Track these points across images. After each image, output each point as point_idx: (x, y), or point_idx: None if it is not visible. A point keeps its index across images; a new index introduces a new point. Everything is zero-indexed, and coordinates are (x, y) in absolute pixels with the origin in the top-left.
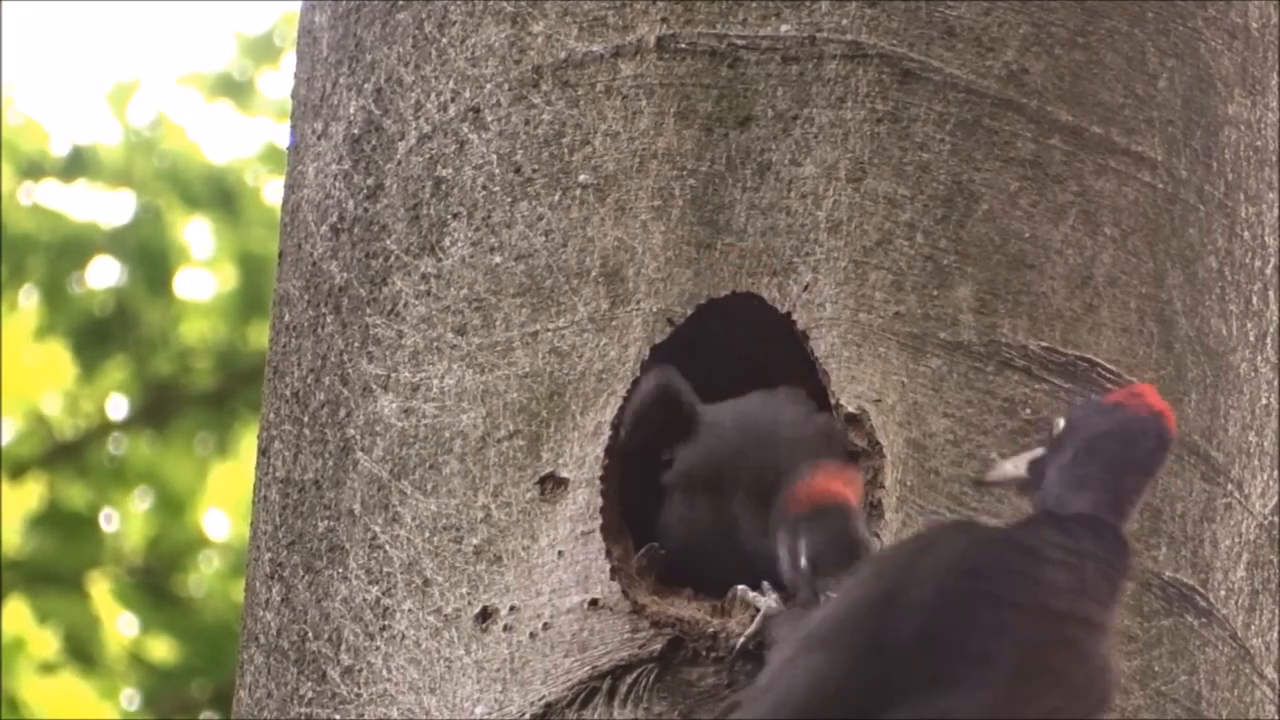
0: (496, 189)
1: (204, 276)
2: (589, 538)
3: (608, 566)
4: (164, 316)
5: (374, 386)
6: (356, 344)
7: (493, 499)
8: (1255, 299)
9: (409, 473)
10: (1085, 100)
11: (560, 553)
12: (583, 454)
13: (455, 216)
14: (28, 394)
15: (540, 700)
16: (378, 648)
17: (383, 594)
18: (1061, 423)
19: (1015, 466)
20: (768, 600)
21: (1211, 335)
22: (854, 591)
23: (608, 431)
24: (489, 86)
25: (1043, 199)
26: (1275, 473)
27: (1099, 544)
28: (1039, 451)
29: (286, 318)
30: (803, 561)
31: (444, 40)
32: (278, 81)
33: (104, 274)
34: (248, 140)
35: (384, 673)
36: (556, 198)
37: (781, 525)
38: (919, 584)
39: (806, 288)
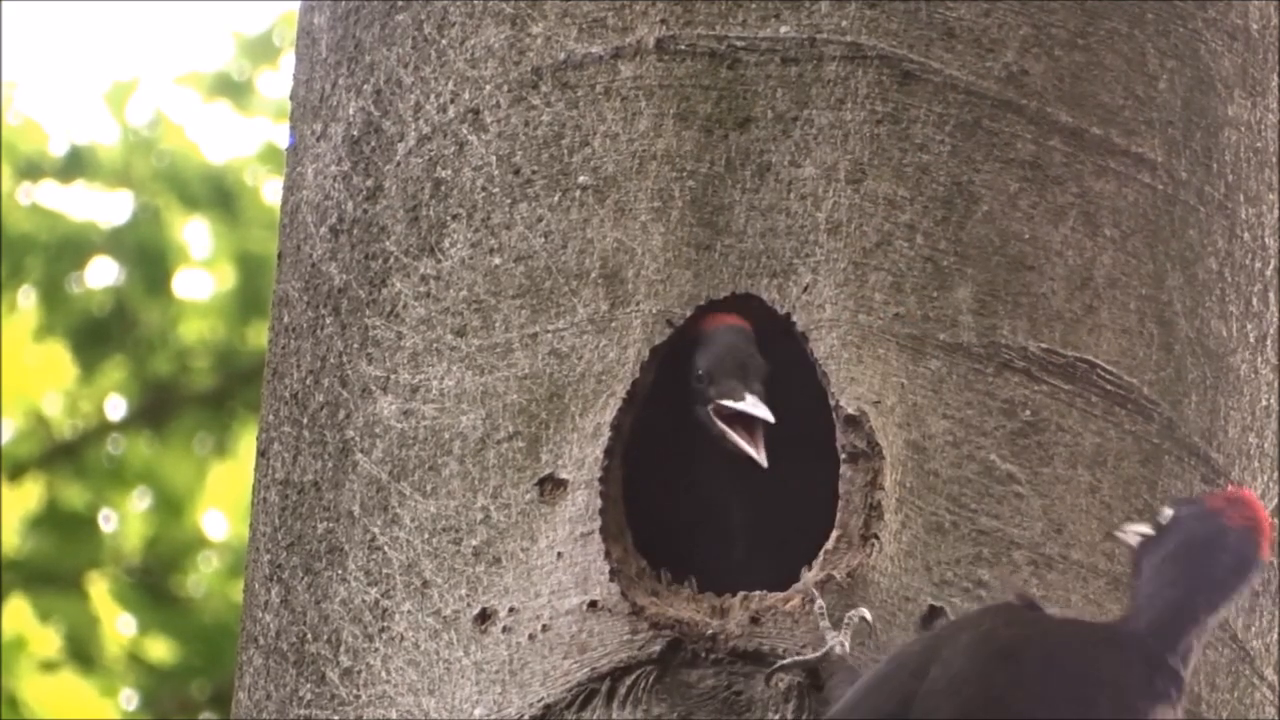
0: (496, 190)
1: (202, 276)
2: (588, 539)
3: (607, 568)
4: (163, 316)
5: (373, 388)
6: (356, 345)
7: (492, 500)
8: (1255, 300)
9: (408, 474)
10: (1085, 101)
11: (559, 554)
12: (582, 455)
13: (454, 218)
14: (27, 394)
15: (539, 702)
16: (377, 649)
17: (382, 595)
18: (1169, 512)
19: (1135, 533)
20: (840, 638)
21: (1211, 337)
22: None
23: (607, 433)
24: (488, 88)
25: (1043, 200)
26: (1275, 474)
27: (1153, 676)
28: (1150, 530)
29: (286, 319)
30: (697, 373)
31: (443, 41)
32: (276, 81)
33: (103, 274)
34: (246, 140)
35: (383, 674)
36: (556, 199)
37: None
38: (954, 655)
39: (806, 289)
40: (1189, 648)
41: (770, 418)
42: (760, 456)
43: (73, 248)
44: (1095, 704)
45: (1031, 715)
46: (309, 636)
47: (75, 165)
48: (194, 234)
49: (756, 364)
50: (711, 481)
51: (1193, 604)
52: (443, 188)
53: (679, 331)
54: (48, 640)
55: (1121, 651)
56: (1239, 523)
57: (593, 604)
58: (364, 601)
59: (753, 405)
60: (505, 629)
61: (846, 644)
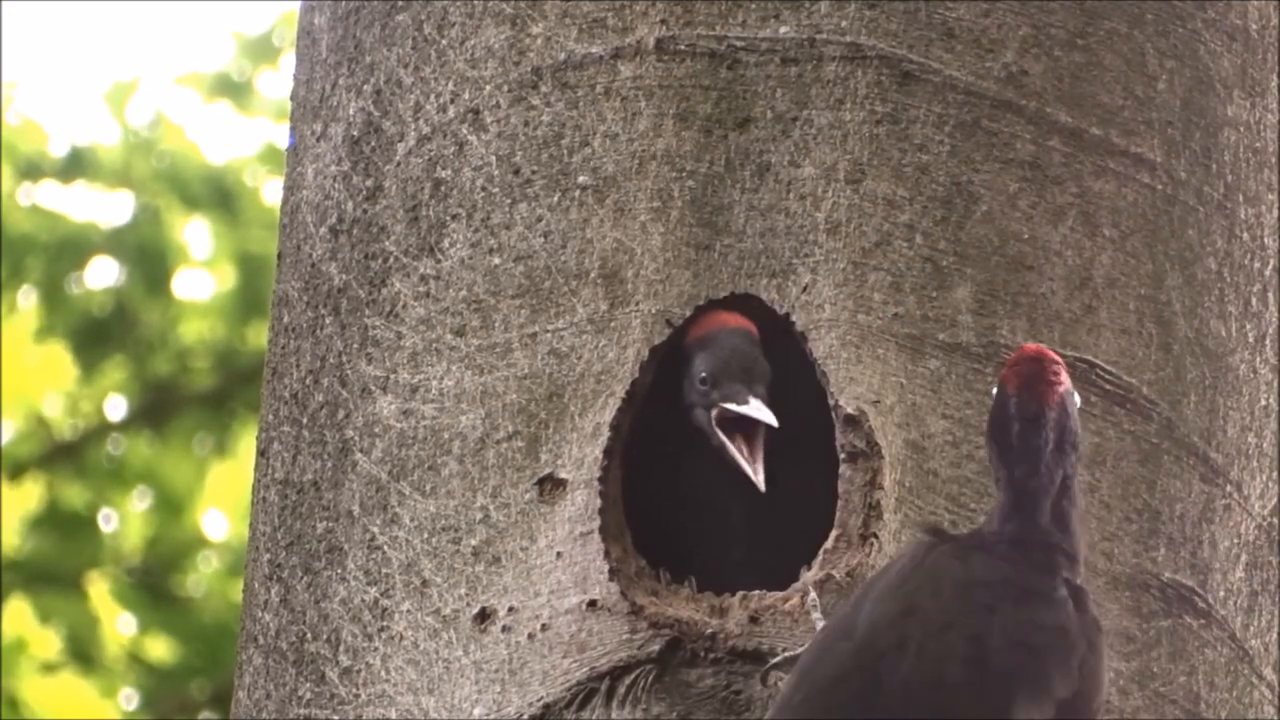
0: (496, 190)
1: (203, 277)
2: (587, 539)
3: (606, 567)
4: (163, 317)
5: (373, 388)
6: (355, 345)
7: (491, 500)
8: (1254, 300)
9: (408, 474)
10: (1084, 102)
11: (559, 554)
12: (581, 455)
13: (454, 218)
14: (27, 394)
15: (539, 701)
16: (376, 649)
17: (381, 595)
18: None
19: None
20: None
21: (1210, 337)
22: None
23: (607, 433)
24: (488, 88)
25: (1042, 200)
26: (1274, 474)
27: (1021, 561)
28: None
29: (285, 319)
30: (700, 376)
31: (443, 42)
32: (276, 82)
33: (103, 274)
34: (246, 140)
35: (382, 673)
36: (555, 199)
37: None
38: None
39: (805, 289)
40: (1049, 514)
41: (774, 421)
42: (758, 478)
43: (73, 248)
44: (989, 621)
45: (923, 648)
46: (309, 636)
47: (75, 165)
48: (194, 234)
49: (761, 368)
50: (710, 482)
51: (1020, 476)
52: (442, 188)
53: (680, 331)
54: (48, 641)
55: (991, 558)
56: (1015, 385)
57: (592, 603)
58: (363, 601)
59: (756, 409)
60: (505, 628)
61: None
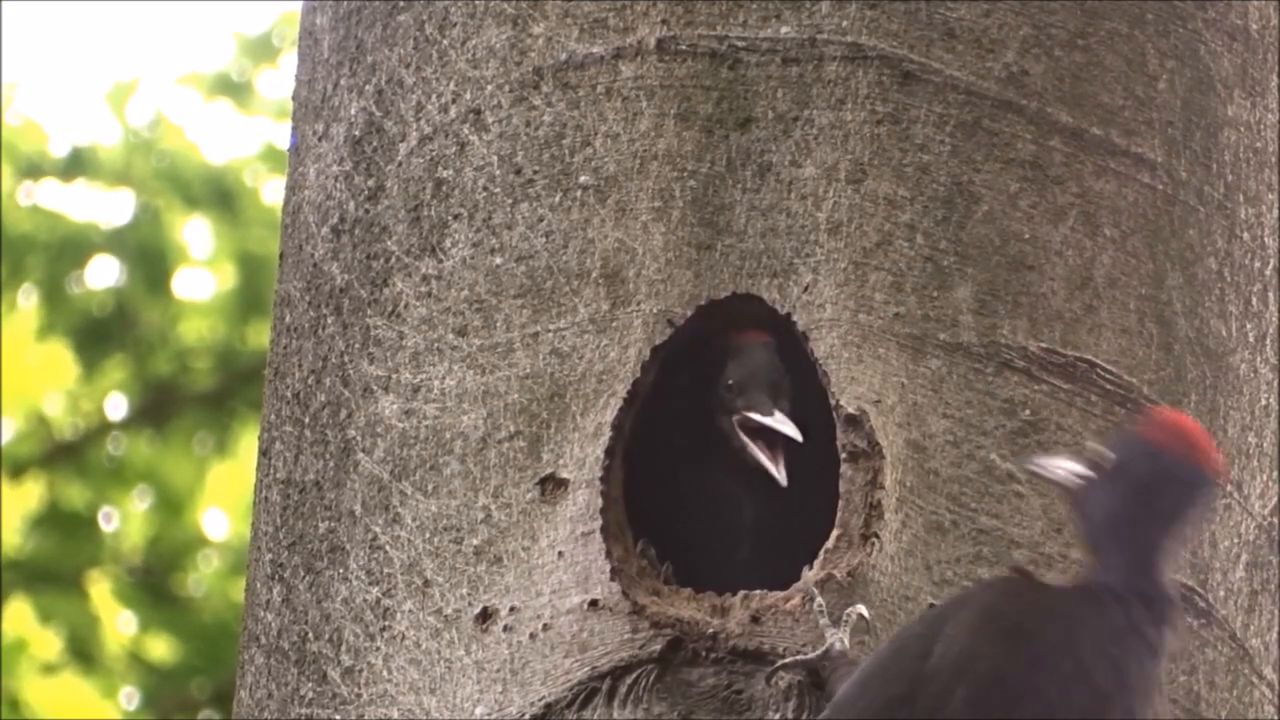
0: (497, 190)
1: (203, 276)
2: (589, 538)
3: (608, 567)
4: (163, 316)
5: (375, 387)
6: (357, 345)
7: (493, 500)
8: (1255, 300)
9: (410, 474)
10: (1085, 102)
11: (560, 553)
12: (583, 455)
13: (456, 218)
14: (28, 394)
15: (540, 701)
16: (378, 648)
17: (383, 595)
18: (1107, 454)
19: (1066, 472)
20: (839, 635)
21: (1211, 336)
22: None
23: (608, 432)
24: (490, 88)
25: (1043, 200)
26: (1274, 474)
27: (1145, 617)
28: (1087, 471)
29: (287, 319)
30: (727, 383)
31: (445, 42)
32: (277, 81)
33: (103, 274)
34: (247, 140)
35: (384, 673)
36: (557, 199)
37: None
38: (955, 634)
39: (806, 289)
40: (1164, 575)
41: (798, 435)
42: (781, 475)
43: (73, 248)
44: (1095, 668)
45: (1036, 687)
46: (310, 635)
47: (76, 165)
48: (194, 234)
49: (786, 384)
50: (720, 481)
51: (1158, 539)
52: (444, 188)
53: (689, 337)
54: (48, 641)
55: (1104, 607)
56: (1181, 450)
57: (594, 603)
58: (365, 600)
59: (780, 422)
60: (506, 628)
61: (845, 641)
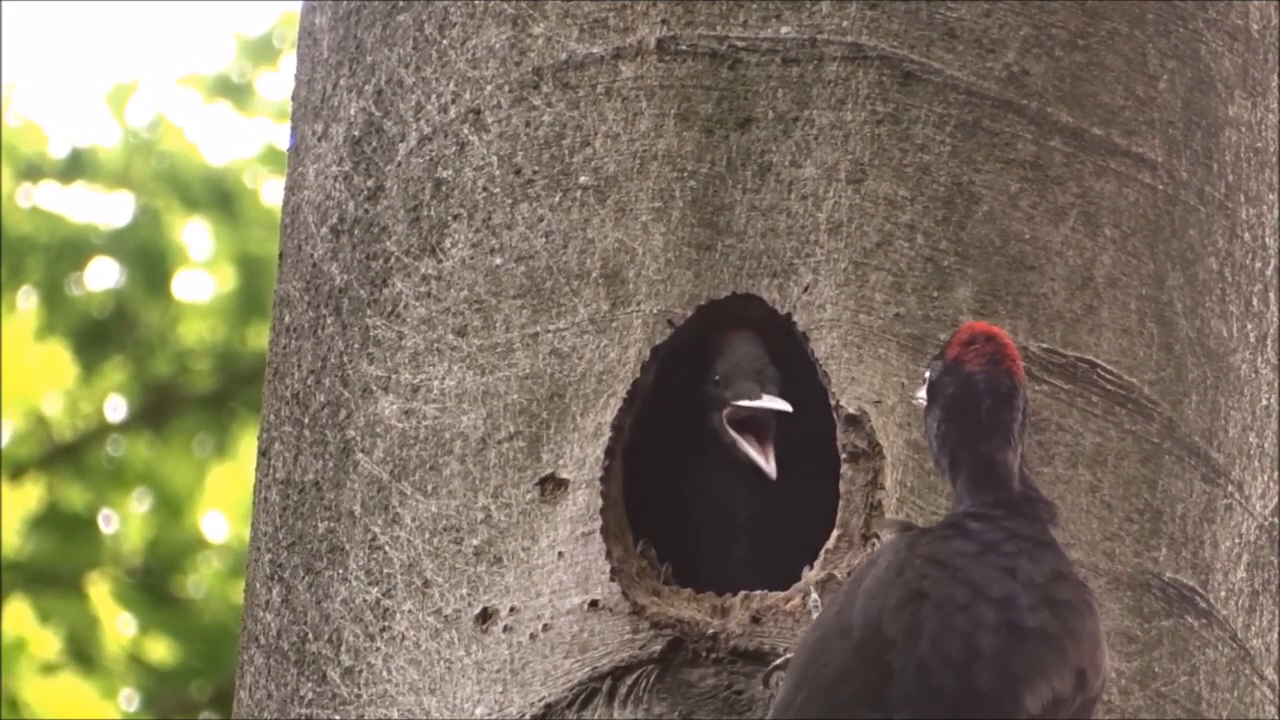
0: (497, 190)
1: (203, 278)
2: (589, 539)
3: (608, 567)
4: (163, 318)
5: (374, 388)
6: (357, 345)
7: (493, 500)
8: (1256, 300)
9: (409, 474)
10: (1086, 102)
11: (560, 554)
12: (583, 455)
13: (455, 218)
14: (27, 395)
15: (540, 701)
16: (378, 649)
17: (383, 595)
18: (926, 374)
19: (920, 401)
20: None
21: (1212, 336)
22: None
23: (608, 433)
24: (489, 88)
25: (1043, 200)
26: (1275, 474)
27: (1019, 521)
28: (923, 396)
29: (287, 319)
30: (714, 378)
31: (444, 42)
32: (276, 83)
33: (103, 275)
34: (246, 141)
35: (384, 674)
36: (557, 199)
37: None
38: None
39: (807, 289)
40: (1015, 479)
41: (788, 408)
42: (770, 468)
43: (73, 249)
44: (989, 584)
45: (951, 626)
46: (310, 636)
47: (75, 167)
48: (194, 235)
49: (771, 371)
50: (716, 480)
51: (992, 451)
52: (444, 188)
53: (689, 337)
54: (48, 642)
55: (989, 525)
56: (979, 363)
57: (594, 603)
58: (365, 601)
59: (769, 400)
60: (506, 628)
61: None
